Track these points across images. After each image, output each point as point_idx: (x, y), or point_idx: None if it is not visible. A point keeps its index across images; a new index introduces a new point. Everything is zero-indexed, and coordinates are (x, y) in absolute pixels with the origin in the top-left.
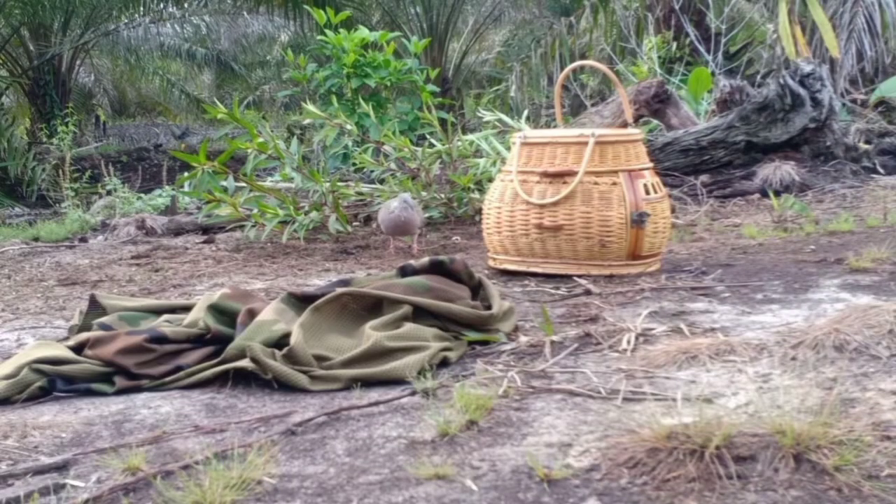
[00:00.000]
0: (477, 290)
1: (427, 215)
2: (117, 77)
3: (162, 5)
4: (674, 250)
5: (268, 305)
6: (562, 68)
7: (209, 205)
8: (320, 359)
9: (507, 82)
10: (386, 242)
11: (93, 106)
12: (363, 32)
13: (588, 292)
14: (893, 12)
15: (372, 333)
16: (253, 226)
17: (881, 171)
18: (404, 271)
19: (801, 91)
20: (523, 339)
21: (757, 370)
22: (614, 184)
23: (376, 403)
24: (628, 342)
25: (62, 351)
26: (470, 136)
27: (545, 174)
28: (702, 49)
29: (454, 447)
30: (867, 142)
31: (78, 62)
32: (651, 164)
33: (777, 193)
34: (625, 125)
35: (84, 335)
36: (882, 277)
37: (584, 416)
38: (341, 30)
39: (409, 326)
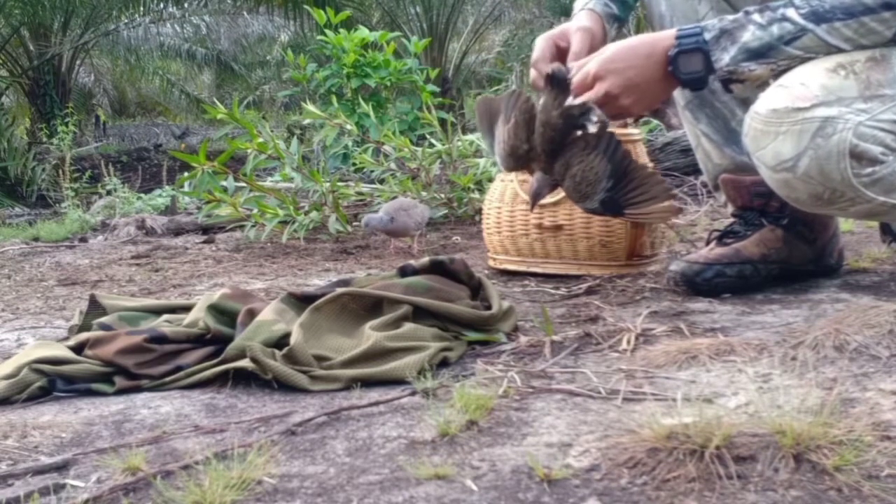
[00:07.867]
0: (477, 290)
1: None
2: (117, 77)
3: (162, 5)
4: (674, 250)
5: (268, 305)
6: None
7: (209, 205)
8: (320, 359)
9: (507, 82)
10: (386, 242)
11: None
12: (363, 32)
13: (588, 292)
14: None
15: (372, 333)
16: (253, 226)
17: None
18: (404, 271)
19: None
20: (523, 339)
21: (757, 370)
22: None
23: (376, 403)
24: (628, 342)
25: (62, 351)
26: (470, 136)
27: None
28: None
29: (454, 447)
30: None
31: (78, 62)
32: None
33: None
34: (625, 125)
35: (84, 335)
36: (882, 277)
37: (584, 416)
38: (341, 30)
39: (408, 326)
